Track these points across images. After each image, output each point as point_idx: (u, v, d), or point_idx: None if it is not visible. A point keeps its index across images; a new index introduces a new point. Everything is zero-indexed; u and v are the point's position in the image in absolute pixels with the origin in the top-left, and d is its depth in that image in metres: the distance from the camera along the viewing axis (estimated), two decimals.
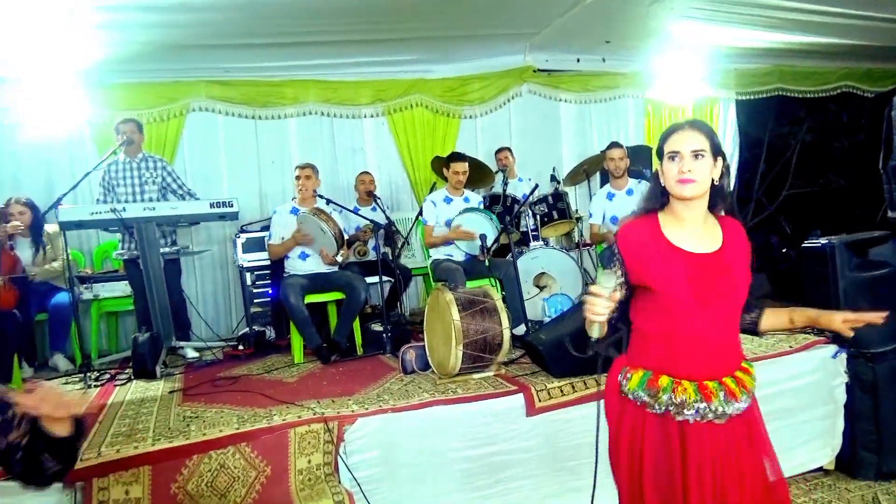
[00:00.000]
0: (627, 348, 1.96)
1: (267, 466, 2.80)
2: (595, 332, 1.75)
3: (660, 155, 1.86)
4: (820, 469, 3.72)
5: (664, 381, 1.81)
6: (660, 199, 1.88)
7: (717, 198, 1.86)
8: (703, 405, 1.78)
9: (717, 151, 1.82)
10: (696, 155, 1.77)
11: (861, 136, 8.98)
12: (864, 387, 3.65)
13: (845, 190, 9.23)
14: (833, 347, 3.71)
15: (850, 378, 3.70)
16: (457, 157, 4.88)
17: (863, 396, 3.66)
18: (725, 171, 1.85)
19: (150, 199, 4.59)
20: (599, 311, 1.70)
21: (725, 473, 1.81)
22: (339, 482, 2.88)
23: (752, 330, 1.98)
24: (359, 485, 2.88)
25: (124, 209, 4.17)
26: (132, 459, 2.65)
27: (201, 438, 2.79)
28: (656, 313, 1.84)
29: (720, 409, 1.79)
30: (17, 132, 5.07)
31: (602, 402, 1.97)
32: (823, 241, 3.83)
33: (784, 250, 8.33)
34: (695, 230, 1.85)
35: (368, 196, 5.31)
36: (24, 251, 4.62)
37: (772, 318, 1.96)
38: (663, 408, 1.81)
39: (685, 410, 1.79)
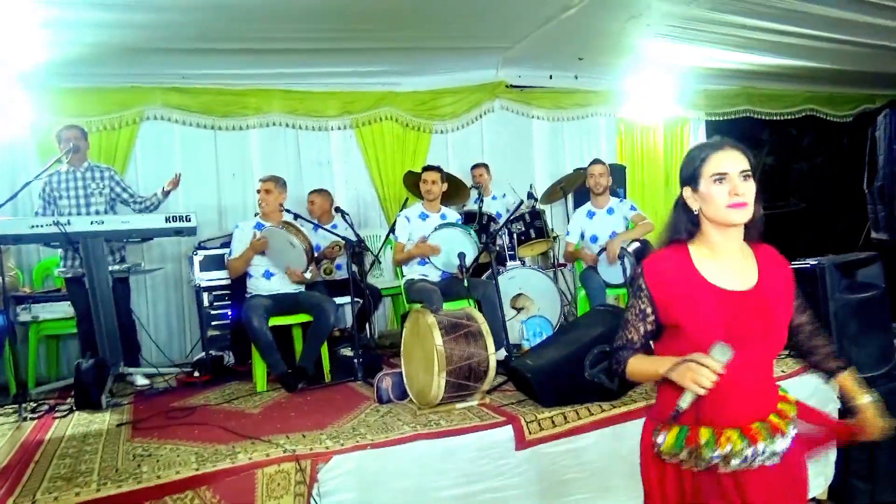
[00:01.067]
0: (657, 401, 1.76)
1: None
2: (686, 403, 1.52)
3: (691, 179, 1.65)
4: (813, 500, 3.57)
5: (705, 434, 1.60)
6: (688, 228, 1.68)
7: (751, 225, 1.67)
8: (750, 450, 1.58)
9: (755, 172, 1.64)
10: (745, 176, 1.59)
11: (820, 158, 9.16)
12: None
13: (804, 212, 9.39)
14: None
15: (842, 404, 3.57)
16: (428, 167, 4.66)
17: None
18: (759, 193, 1.66)
19: (97, 212, 4.22)
20: (706, 383, 1.48)
21: None
22: None
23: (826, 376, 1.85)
24: None
25: (69, 222, 3.79)
26: None
27: (154, 482, 2.45)
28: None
29: (769, 449, 1.59)
30: None
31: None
32: (813, 261, 3.74)
33: None
34: (730, 263, 1.67)
35: (336, 212, 5.03)
36: None
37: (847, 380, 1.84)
38: (705, 464, 1.60)
39: (733, 461, 1.58)
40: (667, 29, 5.27)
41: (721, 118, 7.13)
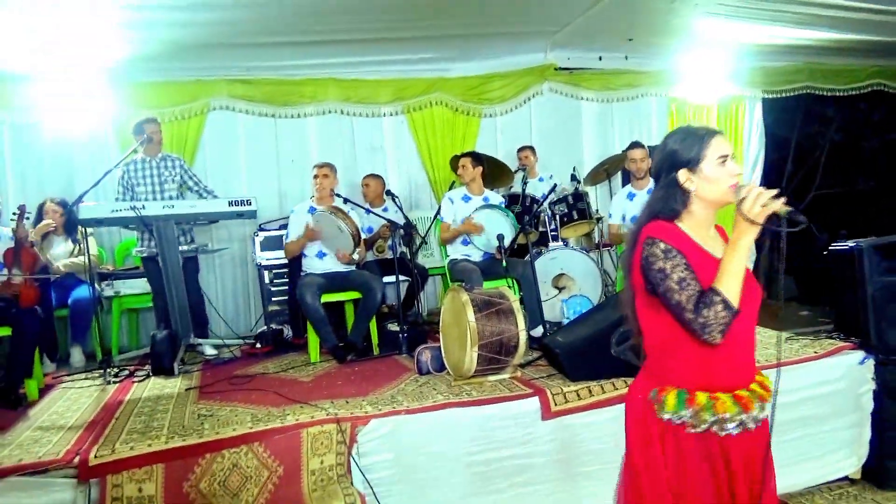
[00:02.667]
0: (649, 367, 1.88)
1: (279, 466, 2.80)
2: (784, 209, 1.62)
3: (695, 160, 1.75)
4: (845, 478, 3.62)
5: (701, 398, 1.74)
6: (677, 208, 1.79)
7: None
8: (744, 416, 1.74)
9: None
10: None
11: (894, 134, 8.75)
12: (893, 394, 3.55)
13: (875, 191, 9.02)
14: (860, 353, 3.60)
15: (878, 385, 3.59)
16: (464, 153, 4.88)
17: (891, 404, 3.55)
18: None
19: (170, 198, 4.62)
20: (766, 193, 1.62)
21: (757, 475, 1.79)
22: (352, 484, 2.87)
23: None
24: (371, 487, 2.87)
25: (144, 207, 4.21)
26: (146, 457, 2.67)
27: (214, 437, 2.80)
28: None
29: (758, 415, 1.76)
30: (42, 130, 5.13)
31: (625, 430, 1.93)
32: (851, 243, 3.73)
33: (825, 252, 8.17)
34: (708, 235, 1.82)
35: (386, 196, 5.30)
36: (59, 248, 4.82)
37: None
38: (704, 426, 1.74)
39: (727, 425, 1.73)
40: (717, 8, 5.21)
41: (780, 95, 6.94)
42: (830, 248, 3.91)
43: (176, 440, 2.78)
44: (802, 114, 8.62)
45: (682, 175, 1.77)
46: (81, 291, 4.72)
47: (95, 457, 2.64)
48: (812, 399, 3.51)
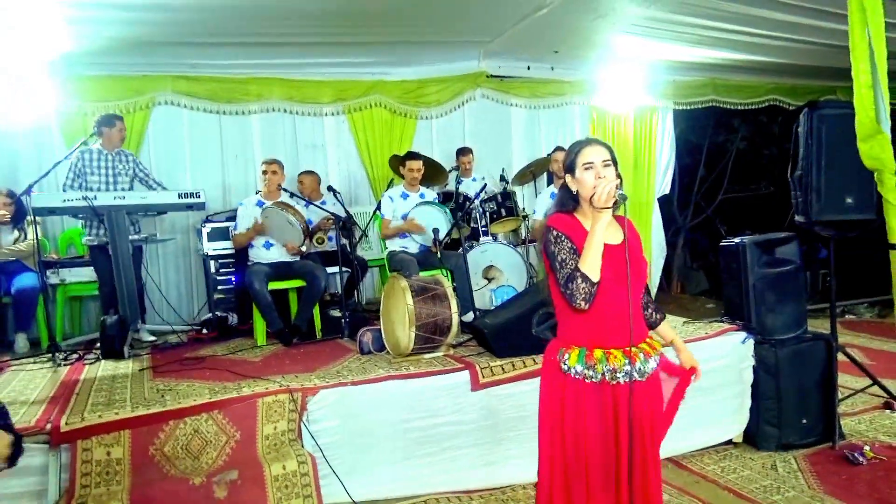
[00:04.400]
0: (557, 332, 2.33)
1: (237, 432, 3.11)
2: (619, 195, 2.08)
3: (571, 168, 2.22)
4: (729, 442, 4.20)
5: (598, 353, 2.18)
6: (571, 204, 2.25)
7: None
8: (629, 367, 2.17)
9: (615, 162, 2.23)
10: (605, 164, 2.17)
11: (788, 144, 9.70)
12: (769, 369, 4.13)
13: (774, 195, 9.96)
14: (742, 334, 4.19)
15: (757, 361, 4.18)
16: (412, 155, 5.24)
17: (767, 378, 4.14)
18: (619, 178, 2.22)
19: (122, 189, 4.80)
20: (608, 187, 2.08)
21: (644, 420, 2.21)
22: (303, 446, 3.20)
23: (651, 325, 2.44)
24: (321, 449, 3.21)
25: (95, 197, 4.38)
26: (113, 424, 2.93)
27: (177, 406, 3.08)
28: None
29: (643, 367, 2.19)
30: None
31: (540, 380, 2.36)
32: (737, 240, 4.33)
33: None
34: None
35: (328, 191, 5.61)
36: (7, 237, 4.94)
37: (666, 327, 2.49)
38: (600, 376, 2.18)
39: (617, 374, 2.17)
40: (632, 28, 5.78)
41: (688, 107, 7.63)
42: (720, 244, 4.51)
43: (140, 409, 3.04)
44: (713, 123, 9.46)
45: (568, 179, 2.25)
46: (24, 280, 4.82)
47: (66, 423, 2.88)
48: (703, 373, 4.05)
